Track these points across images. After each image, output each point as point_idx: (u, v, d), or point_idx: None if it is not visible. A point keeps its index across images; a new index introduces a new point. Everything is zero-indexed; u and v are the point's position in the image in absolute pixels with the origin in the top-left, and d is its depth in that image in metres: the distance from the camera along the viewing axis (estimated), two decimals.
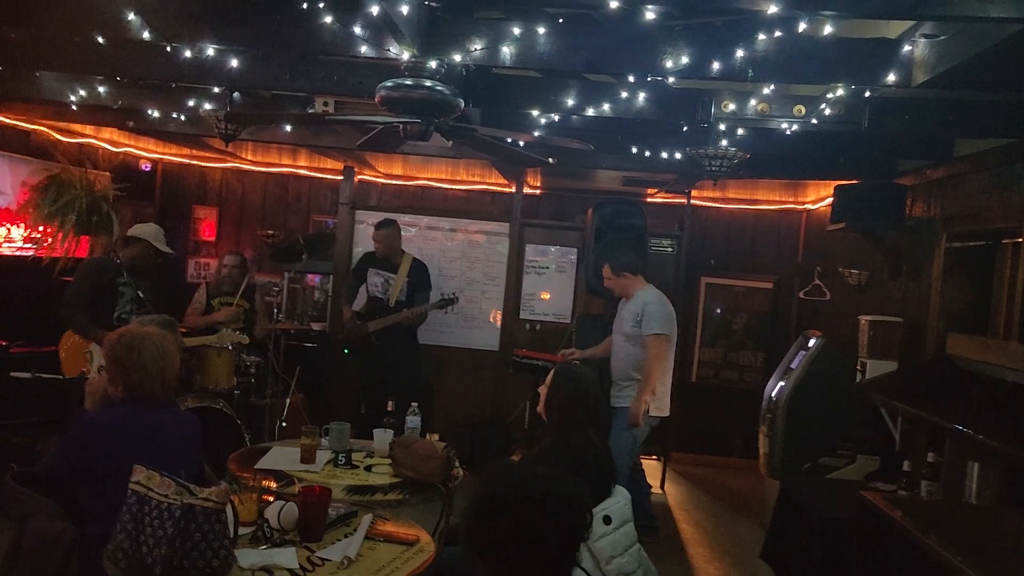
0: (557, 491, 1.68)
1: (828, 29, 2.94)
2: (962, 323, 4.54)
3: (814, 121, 3.83)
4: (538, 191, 7.69)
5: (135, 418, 2.83)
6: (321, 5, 3.08)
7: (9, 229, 5.91)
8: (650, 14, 2.64)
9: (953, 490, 3.68)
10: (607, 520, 2.80)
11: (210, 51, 3.59)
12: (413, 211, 7.55)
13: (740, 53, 3.12)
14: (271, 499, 2.93)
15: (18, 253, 5.98)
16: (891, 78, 3.18)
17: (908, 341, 4.89)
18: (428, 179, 7.72)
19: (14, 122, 5.88)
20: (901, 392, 4.29)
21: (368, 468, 3.71)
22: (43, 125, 6.13)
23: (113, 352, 2.87)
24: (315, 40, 3.29)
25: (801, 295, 7.02)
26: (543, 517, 1.63)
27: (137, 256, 5.16)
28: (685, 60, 3.16)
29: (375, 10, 2.70)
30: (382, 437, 3.91)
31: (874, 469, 5.03)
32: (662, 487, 6.61)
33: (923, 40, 3.11)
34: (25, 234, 6.02)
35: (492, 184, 7.66)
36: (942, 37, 2.99)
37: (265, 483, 3.32)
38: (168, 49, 3.65)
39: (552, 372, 3.45)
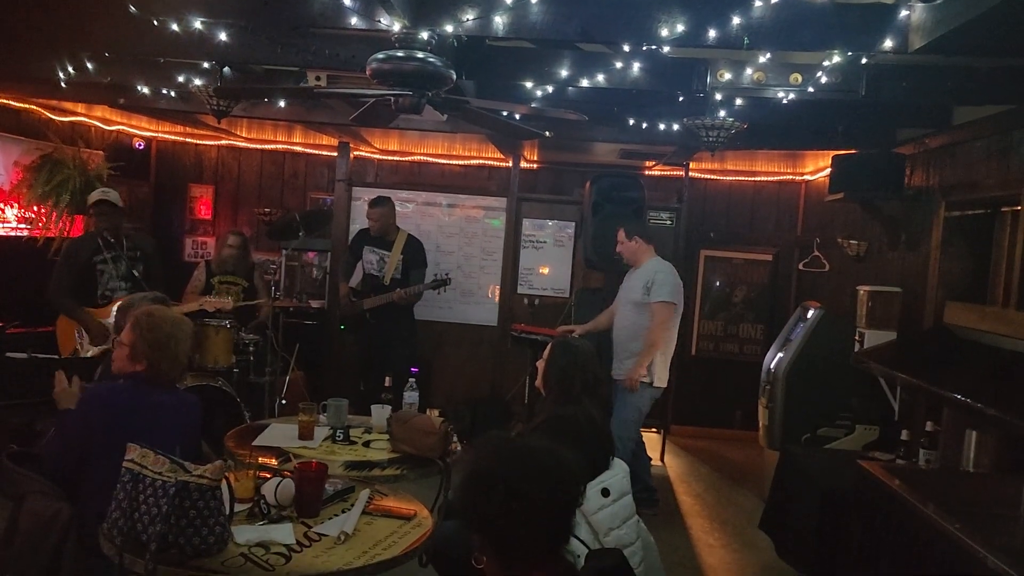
0: (548, 462, 1.67)
1: None
2: (961, 292, 4.52)
3: (811, 89, 3.79)
4: (535, 165, 7.65)
5: (138, 395, 2.86)
6: None
7: (3, 209, 5.88)
8: None
9: (951, 459, 3.68)
10: (605, 492, 2.80)
11: (197, 24, 3.53)
12: (410, 187, 7.50)
13: (736, 20, 3.07)
14: (268, 476, 2.93)
15: (12, 233, 5.96)
16: (888, 44, 3.13)
17: (907, 311, 4.88)
18: (424, 155, 7.67)
19: (5, 101, 5.83)
20: (899, 361, 4.28)
21: (366, 444, 3.70)
22: (35, 104, 6.08)
23: (143, 330, 2.90)
24: (304, 12, 3.25)
25: (800, 267, 7.00)
26: (535, 489, 1.62)
27: (96, 225, 5.14)
28: (680, 28, 3.11)
29: None
30: (380, 413, 3.91)
31: (873, 439, 5.04)
32: (662, 459, 6.63)
33: (919, 4, 3.06)
34: (19, 214, 5.99)
35: (489, 159, 7.61)
36: (939, 1, 2.94)
37: (263, 460, 3.32)
38: (155, 23, 3.59)
39: (549, 345, 3.44)
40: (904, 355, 4.36)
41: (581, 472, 1.80)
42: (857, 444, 5.02)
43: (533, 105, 4.36)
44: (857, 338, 4.93)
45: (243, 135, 7.65)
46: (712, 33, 3.14)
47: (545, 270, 7.39)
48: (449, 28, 3.19)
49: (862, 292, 5.00)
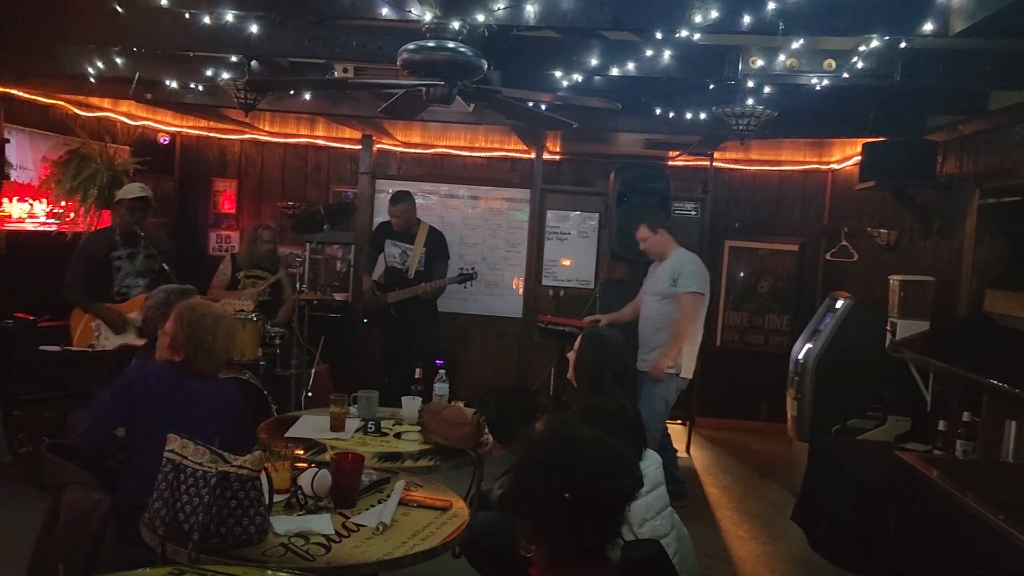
0: (605, 454, 1.66)
1: None
2: (996, 280, 4.45)
3: (845, 75, 3.74)
4: (558, 156, 7.61)
5: (176, 380, 2.92)
6: None
7: (32, 204, 5.93)
8: None
9: (990, 449, 3.63)
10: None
11: (228, 17, 3.54)
12: (433, 179, 7.50)
13: (771, 5, 3.03)
14: (304, 467, 2.94)
15: (41, 228, 6.01)
16: (928, 27, 3.08)
17: (940, 300, 4.81)
18: (447, 147, 7.66)
19: (33, 97, 5.87)
20: (937, 350, 4.22)
21: (398, 435, 3.71)
22: (62, 100, 6.12)
23: (183, 323, 2.94)
24: (334, 4, 3.25)
25: (828, 257, 6.93)
26: (594, 477, 1.61)
27: (123, 219, 5.15)
28: (714, 14, 3.07)
29: None
30: (411, 404, 3.91)
31: (905, 430, 4.98)
32: (688, 451, 6.60)
33: None
34: (48, 209, 6.05)
35: (512, 150, 7.59)
36: None
37: (296, 451, 3.33)
38: (187, 16, 3.60)
39: (580, 337, 3.43)
40: (941, 344, 4.31)
41: (635, 465, 1.79)
42: (889, 435, 4.96)
43: (560, 94, 4.33)
44: (889, 328, 4.86)
45: (266, 129, 7.67)
46: (746, 19, 3.10)
47: (569, 262, 7.37)
48: (480, 17, 3.17)
49: (894, 282, 4.94)
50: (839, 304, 5.54)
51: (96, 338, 5.03)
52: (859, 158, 5.58)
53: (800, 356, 5.54)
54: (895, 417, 5.04)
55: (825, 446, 4.61)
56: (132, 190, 5.22)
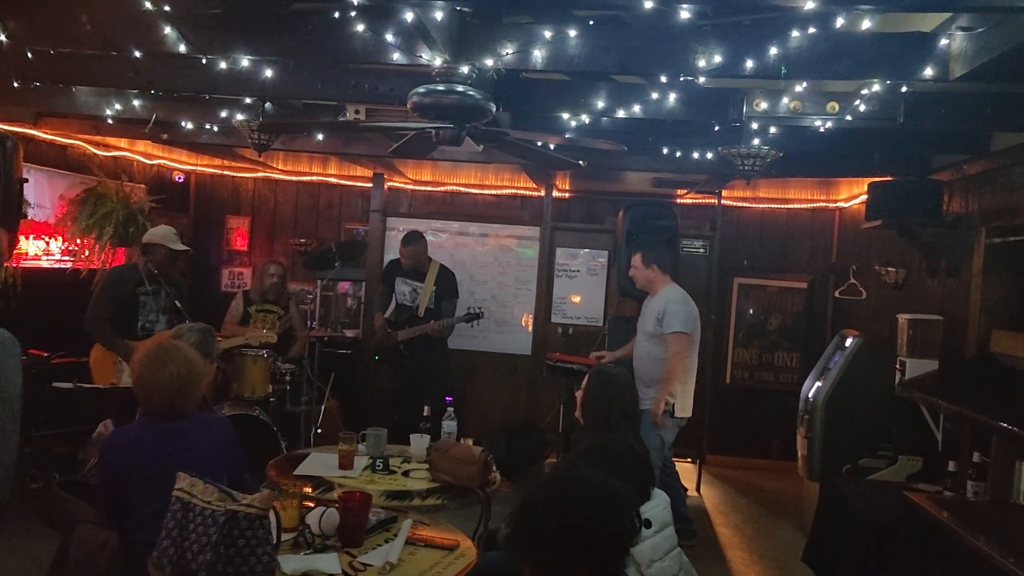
0: (607, 494, 1.67)
1: (866, 24, 2.90)
2: (1004, 320, 4.45)
3: (848, 118, 3.79)
4: (567, 194, 7.68)
5: (156, 431, 2.83)
6: (353, 14, 3.10)
7: (48, 242, 6.03)
8: (685, 13, 2.63)
9: (1000, 491, 3.61)
10: (647, 524, 2.77)
11: (244, 62, 3.63)
12: (443, 217, 7.58)
13: (773, 50, 3.10)
14: (312, 505, 2.95)
15: (57, 265, 6.10)
16: (928, 72, 3.13)
17: (949, 339, 4.80)
18: (457, 184, 7.75)
19: (52, 137, 5.99)
20: (944, 390, 4.21)
21: (406, 473, 3.72)
22: (80, 139, 6.25)
23: (136, 366, 2.89)
24: (347, 49, 3.33)
25: (836, 294, 6.93)
26: (593, 519, 1.62)
27: (157, 261, 5.22)
28: (718, 59, 3.14)
29: (409, 17, 2.72)
30: (419, 442, 3.92)
31: (916, 470, 4.94)
32: (698, 490, 6.55)
33: (960, 33, 3.06)
34: (63, 246, 6.14)
35: (521, 188, 7.67)
36: (979, 30, 2.94)
37: (304, 489, 3.34)
38: (203, 61, 3.70)
39: (587, 376, 3.44)
40: (950, 384, 4.29)
41: (634, 505, 1.80)
42: (900, 475, 4.92)
43: (568, 136, 4.40)
44: (898, 367, 4.86)
45: (279, 167, 7.78)
46: (749, 64, 3.16)
47: (578, 299, 7.40)
48: (489, 62, 3.25)
49: (902, 320, 4.94)
50: (848, 342, 5.54)
51: (118, 375, 5.05)
52: (866, 196, 5.61)
53: (810, 394, 5.53)
54: (906, 457, 5.01)
55: (836, 486, 4.58)
56: (170, 238, 5.19)
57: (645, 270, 5.18)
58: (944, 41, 3.09)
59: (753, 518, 6.03)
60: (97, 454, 3.07)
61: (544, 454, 6.56)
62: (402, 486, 3.54)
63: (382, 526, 2.91)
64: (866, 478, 4.97)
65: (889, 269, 5.73)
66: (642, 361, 5.12)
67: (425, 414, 4.23)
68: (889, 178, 5.36)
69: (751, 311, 7.41)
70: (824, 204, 7.42)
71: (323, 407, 6.27)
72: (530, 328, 7.40)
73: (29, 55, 3.73)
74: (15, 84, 4.36)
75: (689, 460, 6.84)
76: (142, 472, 2.75)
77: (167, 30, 3.28)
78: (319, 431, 6.10)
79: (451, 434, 4.09)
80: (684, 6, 2.58)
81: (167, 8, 3.18)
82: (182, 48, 3.32)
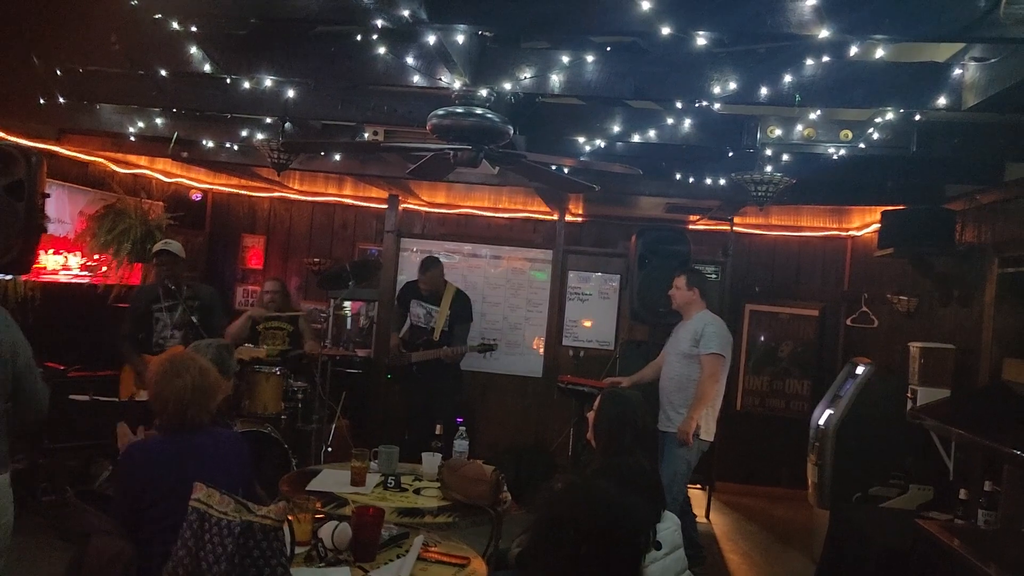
0: (625, 510, 1.69)
1: (879, 53, 2.94)
2: (1017, 349, 4.45)
3: (861, 145, 3.82)
4: (580, 218, 7.73)
5: (171, 443, 2.86)
6: (375, 37, 3.17)
7: (67, 257, 6.11)
8: (701, 40, 2.67)
9: (1012, 519, 3.59)
10: (657, 546, 2.78)
11: (267, 82, 3.71)
12: (457, 239, 7.64)
13: (788, 78, 3.14)
14: (323, 516, 2.97)
15: (75, 280, 6.18)
16: (941, 101, 3.17)
17: (961, 368, 4.80)
18: (471, 207, 7.81)
19: (73, 154, 6.09)
20: (955, 418, 4.20)
21: (417, 491, 3.73)
22: (101, 156, 6.34)
23: (151, 377, 2.93)
24: (368, 71, 3.40)
25: (848, 322, 6.93)
26: (611, 535, 1.63)
27: (155, 273, 5.34)
28: (733, 86, 3.19)
29: (431, 41, 2.78)
30: (431, 460, 3.94)
31: (927, 499, 4.91)
32: (707, 516, 6.52)
33: (973, 63, 3.10)
34: (82, 262, 6.22)
35: (535, 212, 7.72)
36: (992, 60, 2.98)
37: (316, 505, 3.36)
38: (227, 81, 3.78)
39: (599, 397, 3.45)
40: (961, 412, 4.28)
41: (649, 517, 1.81)
42: (911, 504, 4.90)
43: (583, 159, 4.45)
44: (909, 395, 4.85)
45: (295, 187, 7.87)
46: (764, 91, 3.21)
47: (590, 323, 7.42)
48: (507, 86, 3.30)
49: (914, 349, 4.94)
50: (860, 370, 5.53)
51: (139, 389, 5.14)
52: (878, 225, 5.63)
53: (821, 422, 5.52)
54: (917, 485, 4.98)
55: (846, 514, 4.56)
56: (157, 245, 5.41)
57: (687, 292, 5.25)
58: (957, 71, 3.13)
59: (762, 545, 5.99)
60: (111, 466, 3.11)
61: (553, 477, 6.54)
62: (413, 503, 3.55)
63: (394, 542, 2.92)
64: (877, 506, 4.95)
65: (901, 297, 5.74)
66: (673, 382, 5.15)
67: (437, 433, 4.25)
68: (902, 207, 5.38)
69: (762, 338, 7.41)
70: (836, 232, 7.44)
71: (334, 426, 6.29)
72: (541, 351, 7.42)
73: (59, 72, 3.82)
74: (41, 101, 4.45)
75: (699, 486, 6.81)
76: (158, 485, 2.77)
77: (193, 50, 3.36)
78: (329, 450, 6.11)
79: (463, 453, 4.11)
80: (700, 34, 2.63)
81: (194, 29, 3.25)
82: (207, 68, 3.39)
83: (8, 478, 2.87)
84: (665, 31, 2.49)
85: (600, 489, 1.76)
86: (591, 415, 3.42)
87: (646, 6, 2.45)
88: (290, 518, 2.60)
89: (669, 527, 2.92)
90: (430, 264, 6.35)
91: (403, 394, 6.61)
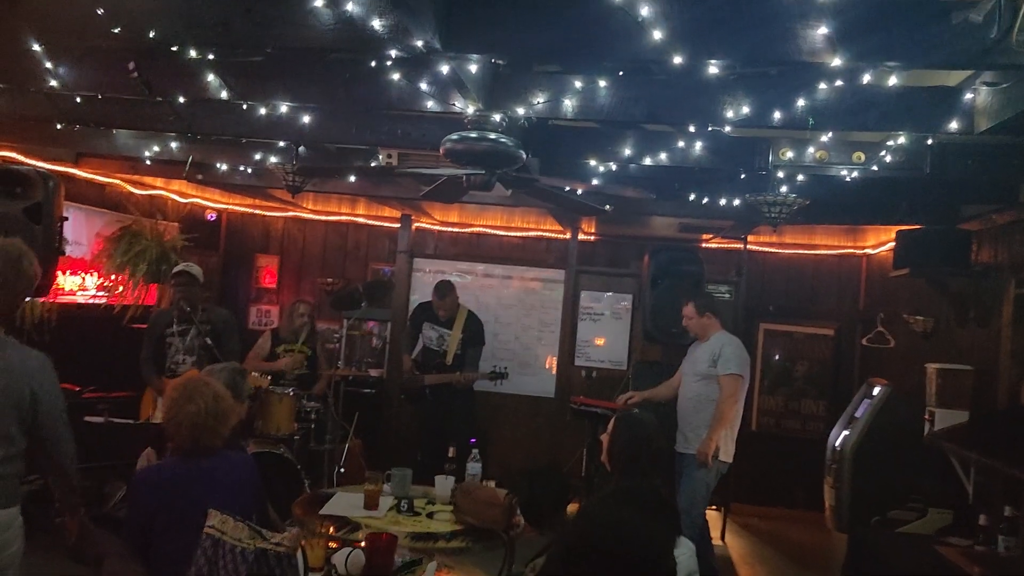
0: (643, 535, 1.67)
1: (892, 80, 2.94)
2: None
3: (874, 168, 3.82)
4: (593, 237, 7.74)
5: (183, 468, 2.87)
6: (389, 64, 3.20)
7: (84, 278, 6.16)
8: (713, 68, 2.69)
9: None
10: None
11: (283, 108, 3.75)
12: (469, 258, 7.65)
13: (801, 102, 3.15)
14: (337, 545, 2.97)
15: (91, 301, 6.23)
16: (953, 126, 3.17)
17: (979, 390, 4.75)
18: (484, 226, 7.83)
19: (91, 176, 6.16)
20: (974, 442, 4.16)
21: (430, 515, 3.72)
22: (117, 178, 6.42)
23: (165, 401, 2.96)
24: (382, 96, 3.42)
25: (864, 342, 6.88)
26: (624, 558, 1.62)
27: (172, 295, 5.39)
28: (745, 110, 3.19)
29: (444, 69, 2.80)
30: (443, 484, 3.93)
31: (946, 523, 4.84)
32: (723, 539, 6.47)
33: (984, 88, 3.10)
34: (98, 282, 6.27)
35: (547, 231, 7.73)
36: (1004, 85, 2.97)
37: (329, 528, 3.36)
38: (244, 107, 3.82)
39: (613, 420, 3.44)
40: (979, 435, 4.24)
41: (668, 548, 1.80)
42: (930, 528, 4.83)
43: (596, 182, 4.46)
44: (927, 417, 4.80)
45: (309, 207, 7.92)
46: (777, 115, 3.22)
47: (602, 342, 7.41)
48: (520, 111, 3.32)
49: (931, 370, 4.90)
50: (876, 391, 5.49)
51: (155, 411, 5.19)
52: (893, 243, 5.60)
53: (837, 444, 5.47)
54: (936, 509, 4.91)
55: (865, 539, 4.51)
56: (177, 267, 5.47)
57: (700, 319, 5.22)
58: (969, 95, 3.13)
59: (779, 570, 5.93)
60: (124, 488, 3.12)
61: (567, 499, 6.51)
62: (427, 528, 3.54)
63: (407, 568, 2.91)
64: (895, 531, 4.89)
65: (917, 318, 5.70)
66: (690, 403, 5.12)
67: (450, 455, 4.24)
68: (917, 227, 5.35)
69: (777, 357, 7.37)
70: (851, 251, 7.40)
71: (347, 446, 6.29)
72: (554, 371, 7.41)
73: (77, 99, 3.87)
74: (58, 126, 4.51)
75: (715, 508, 6.76)
76: (170, 509, 2.77)
77: (210, 77, 3.40)
78: (342, 470, 6.11)
79: (476, 476, 4.10)
80: (712, 62, 2.64)
81: (211, 56, 3.30)
82: (224, 94, 3.43)
83: (18, 510, 2.86)
84: (677, 59, 2.50)
85: (617, 514, 1.75)
86: (605, 437, 3.41)
87: (657, 35, 2.46)
88: (303, 544, 2.60)
89: (684, 553, 2.89)
90: (447, 289, 6.37)
91: (416, 415, 6.61)
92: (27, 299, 5.30)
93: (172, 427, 2.90)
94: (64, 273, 5.94)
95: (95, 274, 6.25)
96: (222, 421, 2.96)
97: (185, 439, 2.88)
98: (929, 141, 3.64)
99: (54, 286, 5.78)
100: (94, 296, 6.27)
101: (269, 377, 5.51)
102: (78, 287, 6.12)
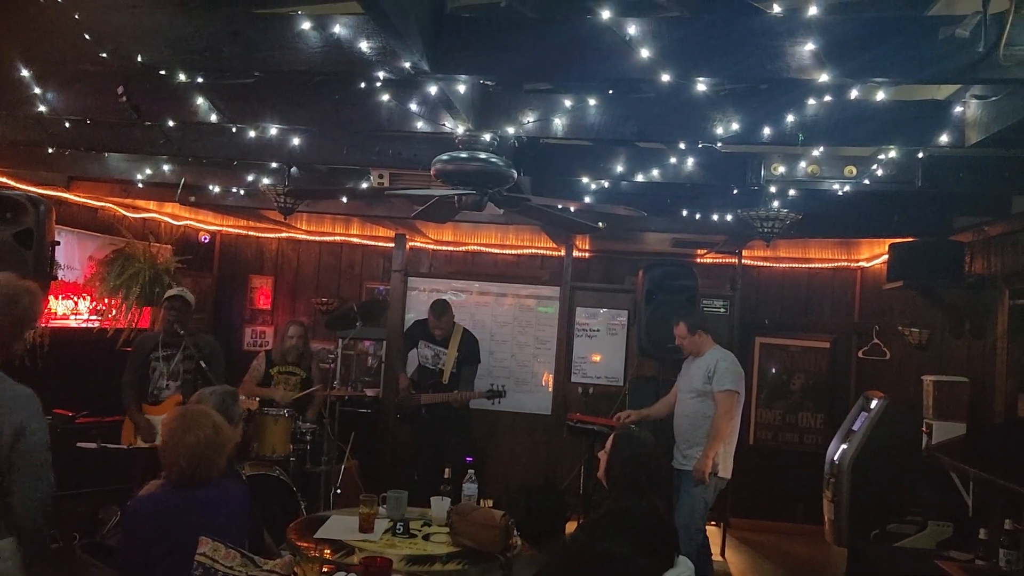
0: (637, 567, 1.66)
1: (881, 95, 2.95)
2: None
3: (866, 181, 3.82)
4: (587, 254, 7.73)
5: (176, 498, 2.84)
6: (378, 85, 3.20)
7: (76, 302, 6.13)
8: (702, 85, 2.69)
9: None
10: None
11: (273, 130, 3.75)
12: (464, 276, 7.64)
13: (790, 118, 3.16)
14: (331, 569, 2.94)
15: (84, 325, 6.19)
16: (944, 139, 3.18)
17: (976, 401, 4.74)
18: (478, 244, 7.83)
19: (83, 200, 6.15)
20: (972, 456, 4.14)
21: (426, 537, 3.69)
22: (110, 202, 6.40)
23: (162, 432, 2.92)
24: (372, 118, 3.43)
25: (860, 354, 6.87)
26: None
27: (164, 319, 5.35)
28: (735, 127, 3.20)
29: (433, 90, 2.80)
30: (439, 505, 3.90)
31: (946, 536, 4.82)
32: (722, 554, 6.42)
33: (974, 101, 3.10)
34: (91, 306, 6.24)
35: (541, 248, 7.73)
36: (994, 98, 2.98)
37: (325, 552, 3.33)
38: (234, 130, 3.81)
39: (611, 438, 3.42)
40: (976, 449, 4.22)
41: (661, 567, 1.78)
42: (930, 542, 4.80)
43: (589, 200, 4.46)
44: (925, 430, 4.78)
45: (302, 228, 7.91)
46: (767, 131, 3.22)
47: (598, 358, 7.39)
48: (511, 130, 3.32)
49: (927, 382, 4.89)
50: (873, 404, 5.47)
51: (135, 439, 5.16)
52: (887, 257, 5.61)
53: (835, 457, 5.45)
54: (936, 522, 4.89)
55: (865, 553, 4.48)
56: (167, 292, 5.44)
57: (692, 337, 5.19)
58: (959, 108, 3.14)
59: None
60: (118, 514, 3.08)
61: (565, 517, 6.47)
62: (423, 550, 3.51)
63: None
64: (895, 544, 4.86)
65: (912, 330, 5.70)
66: (687, 420, 5.09)
67: (446, 476, 4.21)
68: (910, 239, 5.36)
69: (773, 371, 7.35)
70: (846, 264, 7.41)
71: (343, 467, 6.24)
72: (550, 388, 7.38)
73: (67, 124, 3.86)
74: (49, 151, 4.50)
75: (714, 523, 6.71)
76: (164, 540, 2.74)
77: (199, 100, 3.39)
78: (338, 491, 6.06)
79: (472, 497, 4.07)
80: (700, 80, 2.64)
81: (200, 80, 3.29)
82: (213, 117, 3.43)
83: (12, 541, 2.75)
84: (665, 77, 2.50)
85: (609, 543, 1.73)
86: (603, 455, 3.39)
87: (646, 53, 2.47)
88: (296, 570, 2.57)
89: (683, 572, 2.86)
90: (443, 309, 6.34)
91: (412, 434, 6.57)
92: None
93: (170, 457, 2.86)
94: (56, 297, 5.91)
95: (88, 298, 6.22)
96: (220, 452, 2.93)
97: (183, 469, 2.84)
98: (920, 154, 3.64)
99: (46, 311, 5.78)
100: (87, 320, 6.23)
101: (258, 400, 5.47)
102: (71, 311, 6.09)
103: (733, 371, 5.02)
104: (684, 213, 5.30)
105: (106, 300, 6.27)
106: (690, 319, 5.26)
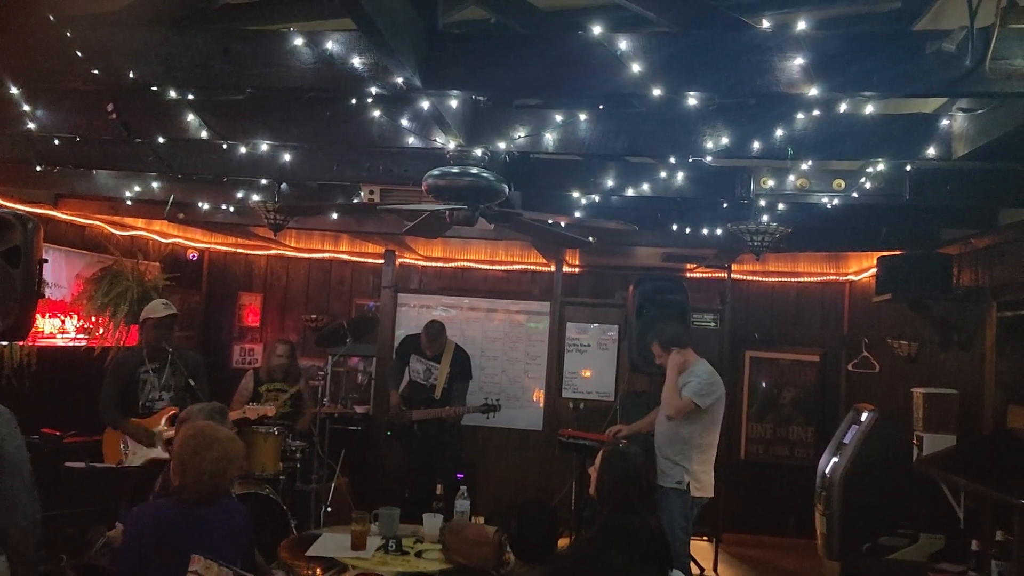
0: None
1: (869, 108, 2.98)
2: (1021, 394, 4.41)
3: (855, 195, 3.85)
4: (577, 269, 7.75)
5: (181, 511, 2.85)
6: (370, 101, 3.20)
7: (63, 320, 6.08)
8: (692, 100, 2.71)
9: None
10: None
11: (263, 147, 3.74)
12: (454, 292, 7.63)
13: (779, 132, 3.18)
14: None
15: (71, 343, 6.14)
16: (931, 152, 3.21)
17: (965, 413, 4.76)
18: (468, 260, 7.83)
19: (71, 218, 6.11)
20: (962, 467, 4.15)
21: (419, 554, 3.67)
22: (98, 220, 6.37)
23: (179, 450, 2.91)
24: (363, 134, 3.43)
25: (850, 367, 6.90)
26: None
27: (149, 336, 5.27)
28: (725, 141, 3.22)
29: (425, 105, 2.81)
30: (432, 522, 3.88)
31: (938, 548, 4.83)
32: (715, 569, 6.40)
33: (960, 114, 3.14)
34: (78, 324, 6.19)
35: (531, 264, 7.74)
36: (980, 111, 3.01)
37: (316, 570, 3.30)
38: (224, 146, 3.81)
39: (600, 454, 3.42)
40: (968, 461, 4.24)
41: None
42: (922, 554, 4.81)
43: (579, 215, 4.47)
44: (915, 442, 4.80)
45: (292, 244, 7.90)
46: (756, 145, 3.25)
47: (589, 373, 7.39)
48: (502, 145, 3.33)
49: (917, 394, 4.91)
50: (863, 417, 5.49)
51: (124, 454, 5.09)
52: (875, 270, 5.64)
53: (827, 471, 5.45)
54: (928, 535, 4.90)
55: (855, 565, 4.48)
56: (157, 308, 5.34)
57: (666, 355, 5.00)
58: (945, 122, 3.17)
59: None
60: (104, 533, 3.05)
61: (557, 532, 6.43)
62: (415, 568, 3.49)
63: None
64: (887, 557, 4.86)
65: (901, 342, 5.72)
66: (663, 436, 5.00)
67: (438, 493, 4.19)
68: (898, 252, 5.40)
69: (764, 384, 7.36)
70: (834, 277, 7.45)
71: (333, 484, 6.20)
72: (541, 403, 7.37)
73: (56, 141, 3.85)
74: (37, 168, 4.48)
75: (705, 538, 6.70)
76: (161, 553, 2.73)
77: (190, 117, 3.39)
78: (329, 510, 6.02)
79: (464, 513, 4.05)
80: (691, 95, 2.66)
81: (191, 96, 3.29)
82: (204, 134, 3.42)
83: (4, 559, 2.74)
84: (656, 92, 2.51)
85: (607, 563, 1.73)
86: (594, 471, 3.39)
87: (636, 69, 2.48)
88: None
89: None
90: (438, 332, 6.32)
91: (403, 451, 6.54)
92: (5, 344, 5.24)
93: (189, 476, 2.85)
94: (44, 316, 5.85)
95: (75, 316, 6.17)
96: (236, 464, 2.97)
97: (204, 487, 2.85)
98: (908, 167, 3.67)
99: (33, 329, 5.73)
100: (74, 339, 6.18)
101: (244, 412, 5.43)
102: (58, 330, 6.03)
103: (703, 385, 4.80)
104: (674, 227, 5.31)
105: (93, 318, 6.22)
106: (661, 337, 5.07)
